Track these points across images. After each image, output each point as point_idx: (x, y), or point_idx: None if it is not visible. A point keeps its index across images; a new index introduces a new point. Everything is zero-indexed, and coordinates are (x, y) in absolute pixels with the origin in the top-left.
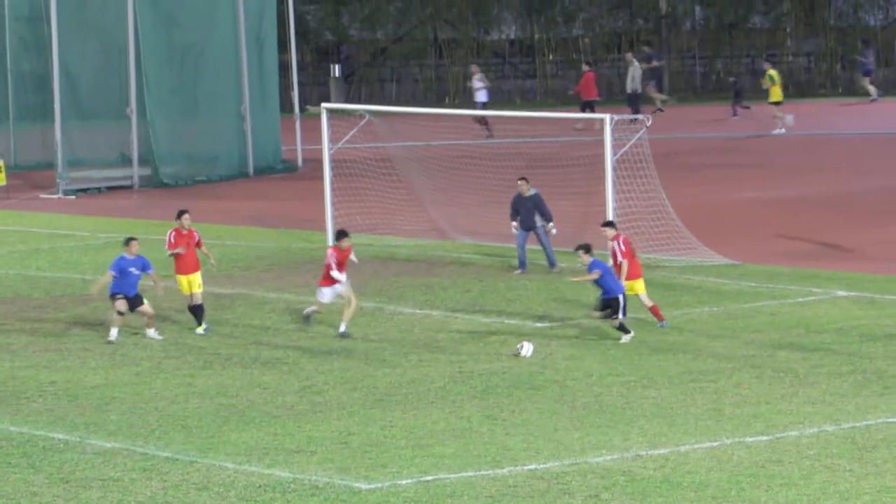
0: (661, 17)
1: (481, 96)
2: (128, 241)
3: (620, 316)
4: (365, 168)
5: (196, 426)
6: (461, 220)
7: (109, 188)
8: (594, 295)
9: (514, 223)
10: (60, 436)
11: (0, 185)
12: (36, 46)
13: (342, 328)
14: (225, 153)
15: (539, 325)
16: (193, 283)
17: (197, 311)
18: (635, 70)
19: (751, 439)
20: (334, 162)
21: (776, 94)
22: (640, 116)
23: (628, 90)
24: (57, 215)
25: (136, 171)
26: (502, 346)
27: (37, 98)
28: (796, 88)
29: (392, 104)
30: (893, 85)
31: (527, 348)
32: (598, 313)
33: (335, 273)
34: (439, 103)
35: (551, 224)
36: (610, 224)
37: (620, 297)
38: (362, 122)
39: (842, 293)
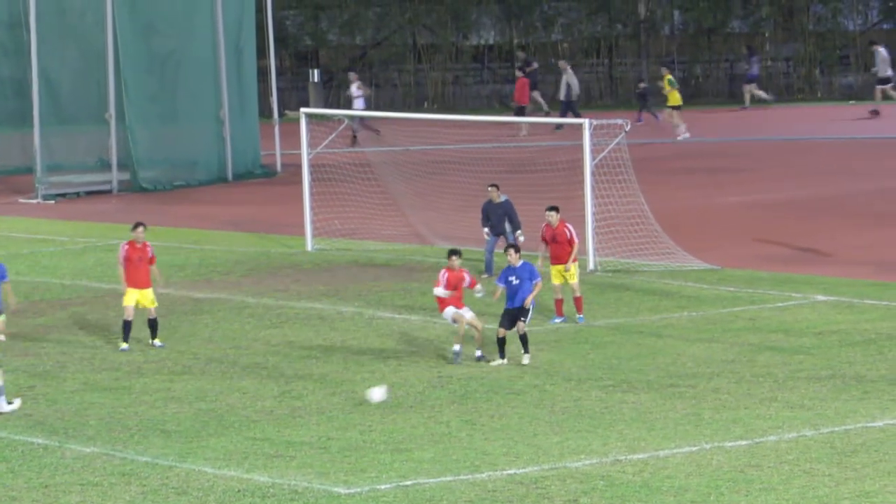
0: (639, 21)
1: (358, 104)
2: None
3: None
4: (344, 173)
5: (175, 431)
6: (439, 225)
7: (88, 193)
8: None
9: (486, 229)
10: (40, 440)
11: None
12: (15, 52)
13: (478, 353)
14: (204, 158)
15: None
16: (146, 299)
17: (153, 325)
18: (570, 77)
19: (730, 444)
20: (313, 167)
21: (675, 98)
22: (581, 121)
23: (562, 97)
24: (36, 220)
25: (115, 176)
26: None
27: (16, 103)
28: (775, 93)
29: (371, 109)
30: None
31: (377, 393)
32: (509, 329)
33: (436, 290)
34: (418, 108)
35: (519, 232)
36: (555, 209)
37: (531, 308)
38: (341, 127)
39: (821, 298)
